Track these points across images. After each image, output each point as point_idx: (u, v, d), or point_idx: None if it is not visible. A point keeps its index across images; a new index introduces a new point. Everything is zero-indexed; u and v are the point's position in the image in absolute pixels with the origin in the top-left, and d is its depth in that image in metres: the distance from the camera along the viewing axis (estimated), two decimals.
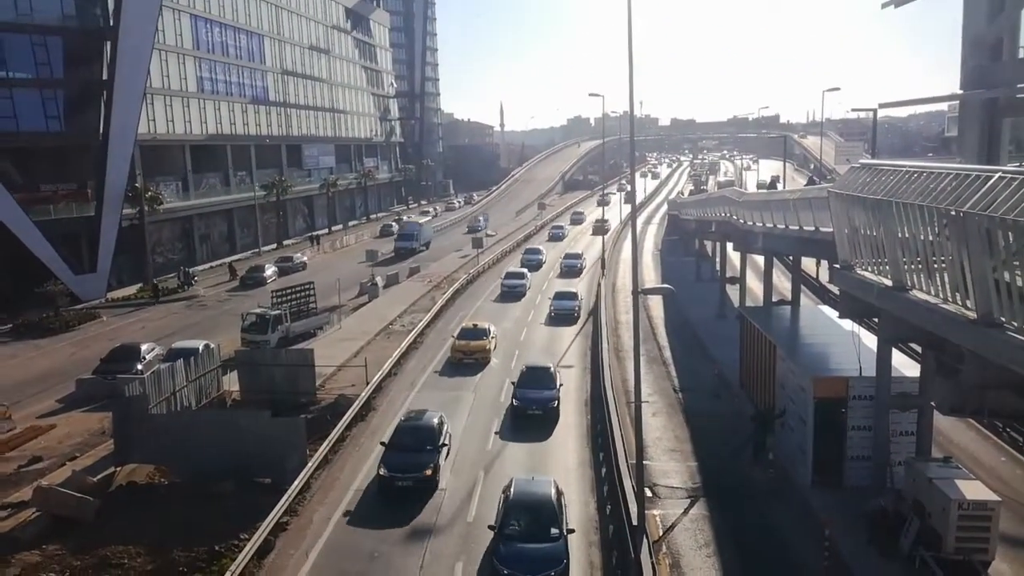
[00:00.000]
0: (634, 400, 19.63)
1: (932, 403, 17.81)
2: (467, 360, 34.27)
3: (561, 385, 28.80)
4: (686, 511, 20.41)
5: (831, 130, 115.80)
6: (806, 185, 60.26)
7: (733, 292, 42.44)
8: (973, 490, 16.41)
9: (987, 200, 11.83)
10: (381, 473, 21.50)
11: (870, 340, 20.47)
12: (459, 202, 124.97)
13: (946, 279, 13.77)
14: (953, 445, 23.65)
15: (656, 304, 45.39)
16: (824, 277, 43.58)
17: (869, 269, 17.44)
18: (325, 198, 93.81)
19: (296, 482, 21.12)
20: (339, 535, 19.40)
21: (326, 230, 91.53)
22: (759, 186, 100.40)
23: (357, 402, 27.90)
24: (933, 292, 14.41)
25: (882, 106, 34.67)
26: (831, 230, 20.11)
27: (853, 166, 19.11)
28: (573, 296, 45.02)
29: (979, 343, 12.74)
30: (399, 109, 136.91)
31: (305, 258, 67.66)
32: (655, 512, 20.11)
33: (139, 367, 32.19)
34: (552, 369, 29.50)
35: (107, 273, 54.40)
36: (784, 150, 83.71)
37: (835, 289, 26.86)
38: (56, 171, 55.54)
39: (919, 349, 19.52)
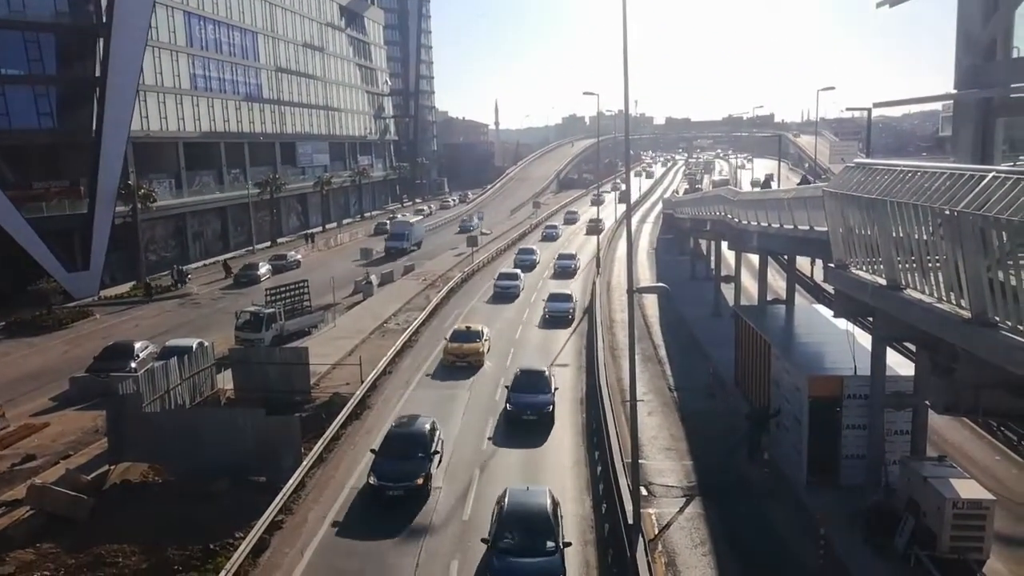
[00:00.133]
0: (630, 399, 19.65)
1: (927, 402, 17.86)
2: (460, 363, 33.52)
3: (556, 389, 28.22)
4: (681, 510, 20.44)
5: (826, 129, 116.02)
6: (799, 184, 60.46)
7: (728, 291, 42.47)
8: (968, 489, 16.48)
9: (981, 199, 11.85)
10: (371, 482, 20.95)
11: (865, 339, 20.53)
12: (454, 200, 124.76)
13: (940, 278, 13.79)
14: (948, 444, 23.71)
15: (651, 303, 45.42)
16: (819, 276, 43.63)
17: (864, 268, 17.46)
18: (319, 196, 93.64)
19: (291, 480, 21.09)
20: (334, 534, 19.34)
21: (320, 228, 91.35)
22: (753, 184, 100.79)
23: (352, 400, 27.87)
24: (928, 291, 14.43)
25: (877, 105, 34.53)
26: (826, 229, 20.12)
27: (848, 165, 19.13)
28: (568, 298, 44.21)
29: (973, 342, 12.76)
30: (393, 107, 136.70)
31: (299, 256, 67.49)
32: (651, 511, 20.14)
33: (133, 365, 32.11)
34: (547, 373, 28.89)
35: (100, 271, 54.15)
36: (779, 149, 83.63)
37: (830, 288, 26.90)
38: (49, 168, 55.37)
39: (914, 348, 19.57)
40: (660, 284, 23.45)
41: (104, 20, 54.30)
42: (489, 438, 25.71)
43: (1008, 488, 20.62)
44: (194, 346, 30.99)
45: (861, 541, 17.69)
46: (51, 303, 47.13)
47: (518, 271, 54.17)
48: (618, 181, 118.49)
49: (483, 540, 17.25)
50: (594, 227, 66.32)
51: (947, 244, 13.06)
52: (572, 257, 60.40)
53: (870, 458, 19.18)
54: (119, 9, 53.62)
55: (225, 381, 30.47)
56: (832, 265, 19.14)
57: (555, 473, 22.90)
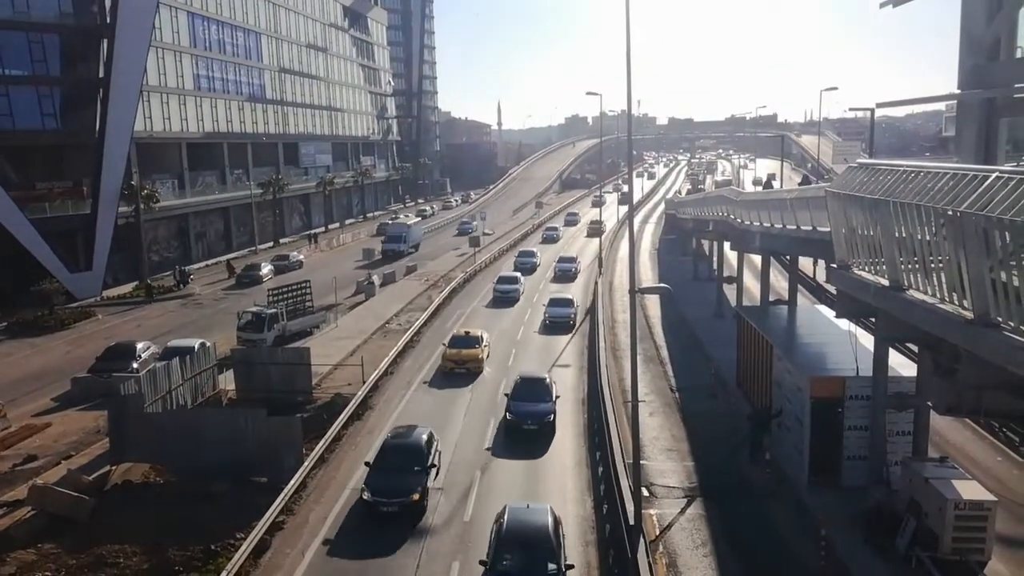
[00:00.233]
0: (631, 399, 19.61)
1: (928, 403, 17.80)
2: (459, 370, 32.49)
3: (558, 397, 27.19)
4: (683, 511, 20.41)
5: (829, 129, 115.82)
6: (800, 183, 60.44)
7: (730, 291, 42.43)
8: (969, 490, 16.43)
9: (984, 200, 11.81)
10: (365, 497, 19.95)
11: (867, 340, 20.49)
12: (456, 201, 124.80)
13: (943, 279, 13.76)
14: (949, 445, 23.66)
15: (653, 303, 45.37)
16: (821, 277, 43.61)
17: (866, 269, 17.43)
18: (322, 196, 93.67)
19: (292, 481, 21.08)
20: (335, 534, 19.34)
21: (323, 228, 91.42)
22: (755, 183, 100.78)
23: (353, 401, 27.86)
24: (930, 292, 14.39)
25: (880, 106, 34.51)
26: (828, 230, 20.10)
27: (850, 166, 19.09)
28: (569, 303, 42.91)
29: (976, 343, 12.72)
30: (396, 107, 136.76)
31: (301, 256, 67.52)
32: (652, 512, 20.12)
33: (134, 366, 32.14)
34: (548, 380, 27.73)
35: (103, 271, 54.23)
36: (781, 149, 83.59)
37: (832, 289, 26.86)
38: (52, 169, 55.44)
39: (916, 349, 19.52)
40: (662, 284, 23.43)
41: (108, 21, 54.33)
42: (488, 448, 24.82)
43: (1010, 489, 20.57)
44: (196, 346, 30.99)
45: (862, 542, 17.65)
46: (53, 303, 47.20)
47: (518, 274, 53.06)
48: (620, 182, 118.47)
49: (481, 562, 16.25)
50: (595, 229, 65.94)
51: (950, 245, 13.03)
52: (573, 260, 59.56)
53: (872, 459, 19.14)
54: (123, 10, 53.70)
55: (227, 381, 30.49)
56: (834, 266, 19.10)
57: (556, 474, 22.87)
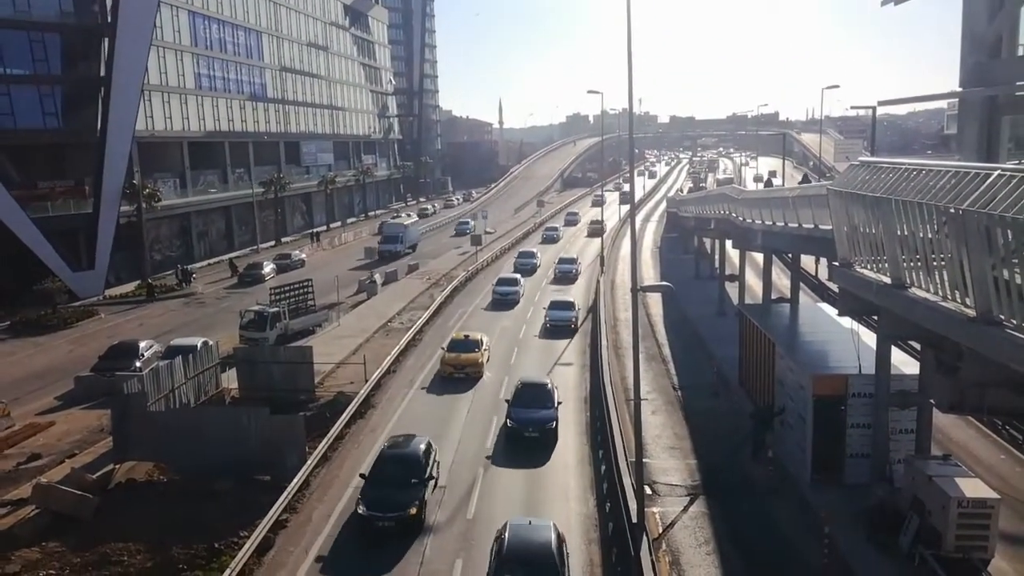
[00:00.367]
0: (633, 398, 19.62)
1: (931, 401, 17.81)
2: (458, 375, 31.61)
3: (560, 403, 26.43)
4: (685, 509, 20.42)
5: (830, 128, 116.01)
6: (801, 182, 60.42)
7: (732, 290, 42.42)
8: (972, 488, 16.42)
9: (986, 198, 11.83)
10: (360, 512, 19.05)
11: (869, 338, 20.46)
12: (458, 199, 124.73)
13: (945, 277, 13.77)
14: (952, 443, 23.66)
15: (655, 302, 45.35)
16: (823, 275, 43.63)
17: (868, 267, 17.44)
18: (323, 195, 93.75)
19: (295, 479, 21.11)
20: (339, 533, 19.36)
21: (324, 227, 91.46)
22: (756, 180, 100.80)
23: (356, 399, 27.90)
24: (932, 290, 14.41)
25: (881, 104, 34.75)
26: (830, 228, 20.10)
27: (852, 164, 19.10)
28: (570, 306, 41.84)
29: (978, 341, 12.74)
30: (397, 106, 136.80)
31: (304, 255, 67.55)
32: (655, 510, 20.12)
33: (137, 364, 32.18)
34: (549, 386, 26.87)
35: (105, 270, 54.32)
36: (783, 147, 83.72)
37: (834, 287, 26.87)
38: (54, 168, 55.50)
39: (918, 347, 19.53)
40: (664, 283, 23.40)
41: (109, 20, 54.40)
42: (488, 457, 24.10)
43: (1013, 487, 20.57)
44: (199, 345, 31.04)
45: (865, 539, 17.65)
46: (56, 302, 47.31)
47: (518, 276, 52.02)
48: (620, 181, 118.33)
49: None
50: (596, 229, 65.53)
51: (952, 242, 13.05)
52: (573, 261, 58.57)
53: (874, 457, 19.14)
54: (124, 9, 53.72)
55: (229, 380, 30.53)
56: (837, 264, 19.12)
57: (559, 473, 22.88)
